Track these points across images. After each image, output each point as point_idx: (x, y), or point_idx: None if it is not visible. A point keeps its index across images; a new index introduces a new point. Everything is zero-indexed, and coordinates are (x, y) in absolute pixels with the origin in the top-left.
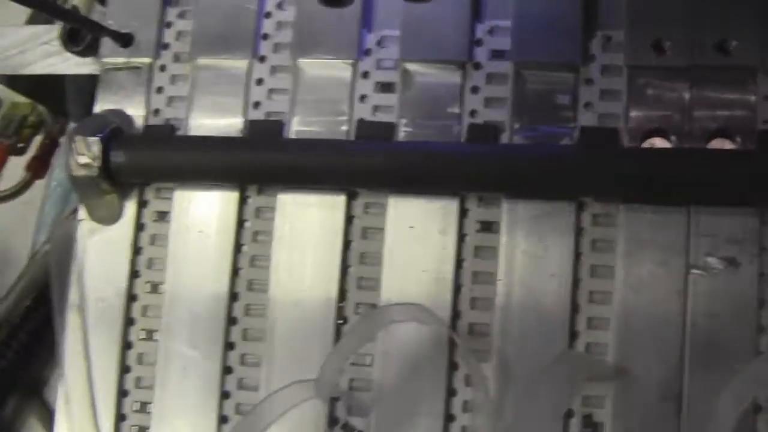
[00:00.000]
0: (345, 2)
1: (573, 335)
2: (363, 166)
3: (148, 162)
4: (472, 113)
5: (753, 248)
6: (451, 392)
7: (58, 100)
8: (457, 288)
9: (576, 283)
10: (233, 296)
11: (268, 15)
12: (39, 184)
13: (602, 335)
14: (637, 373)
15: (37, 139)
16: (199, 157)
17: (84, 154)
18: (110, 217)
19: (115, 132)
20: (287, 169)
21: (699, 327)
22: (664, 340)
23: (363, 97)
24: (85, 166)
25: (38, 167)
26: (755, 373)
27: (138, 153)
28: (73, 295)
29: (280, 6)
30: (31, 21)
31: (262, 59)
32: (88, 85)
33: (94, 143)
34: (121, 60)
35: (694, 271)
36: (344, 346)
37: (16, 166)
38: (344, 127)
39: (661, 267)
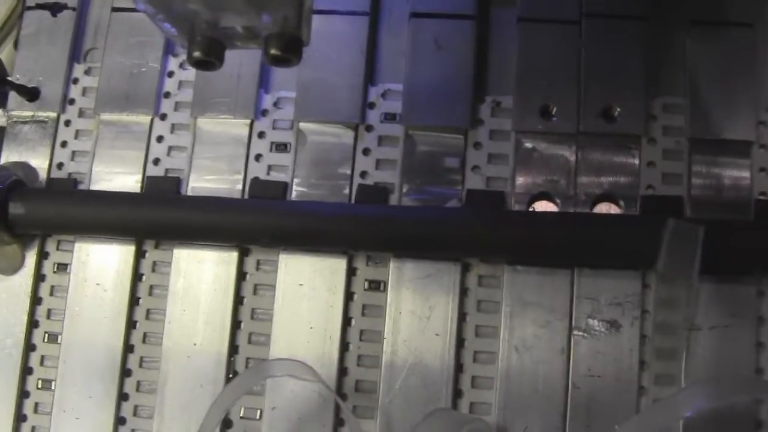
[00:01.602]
0: (214, 66)
1: (457, 394)
2: (255, 224)
3: (48, 214)
4: (363, 174)
5: (635, 311)
6: None
7: None
8: (344, 345)
9: (461, 342)
10: (129, 348)
11: (170, 74)
12: None
13: (486, 394)
14: None
15: None
16: (98, 211)
17: None
18: (11, 268)
19: (15, 184)
20: (182, 225)
21: (581, 387)
22: (546, 400)
23: (258, 156)
24: None
25: None
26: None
27: (38, 205)
28: None
29: (182, 66)
30: None
31: (163, 117)
32: (1, 135)
33: None
34: (27, 113)
35: (577, 332)
36: (224, 399)
37: None
38: (239, 186)
39: (545, 328)
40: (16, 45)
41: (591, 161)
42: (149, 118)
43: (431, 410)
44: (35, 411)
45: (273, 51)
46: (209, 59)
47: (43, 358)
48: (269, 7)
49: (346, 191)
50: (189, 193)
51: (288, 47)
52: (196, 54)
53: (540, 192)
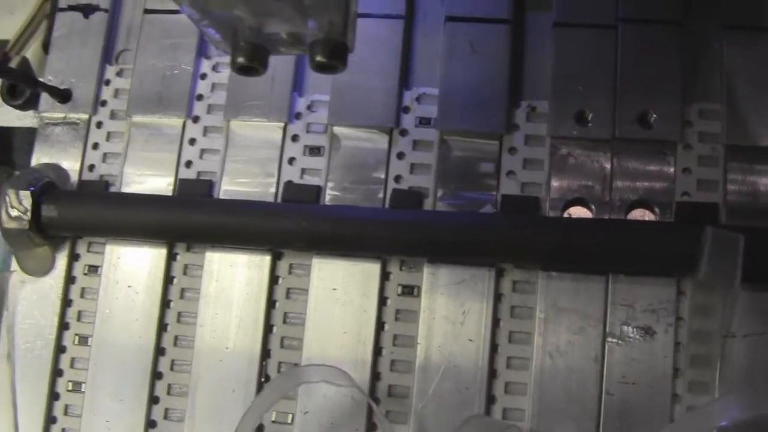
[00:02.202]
0: (258, 72)
1: (490, 400)
2: (288, 228)
3: (80, 217)
4: (397, 179)
5: (669, 318)
6: None
7: (3, 151)
8: (377, 350)
9: (494, 348)
10: (160, 351)
11: (203, 76)
12: None
13: (519, 401)
14: None
15: None
16: (129, 214)
17: (15, 207)
18: (42, 270)
19: (47, 186)
20: (214, 229)
21: (614, 395)
22: (580, 406)
23: (291, 160)
24: (16, 218)
25: None
26: None
27: (69, 208)
28: (2, 345)
29: (215, 68)
30: None
31: (195, 119)
32: (33, 137)
33: (25, 197)
34: (59, 115)
35: (611, 339)
36: (258, 405)
37: None
38: (272, 189)
39: (579, 334)
40: (44, 46)
41: (626, 167)
42: (181, 120)
43: (465, 417)
44: (65, 413)
45: (319, 58)
46: (253, 65)
47: (73, 360)
48: (315, 13)
49: (380, 195)
50: (221, 197)
51: (333, 53)
52: (240, 60)
53: (575, 198)
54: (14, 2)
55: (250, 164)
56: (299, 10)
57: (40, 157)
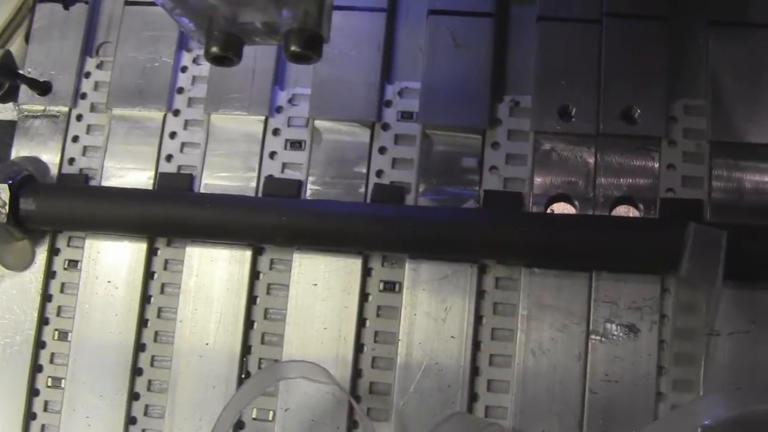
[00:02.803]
0: (232, 62)
1: (473, 397)
2: (269, 223)
3: (59, 211)
4: (379, 173)
5: (653, 315)
6: None
7: None
8: (359, 346)
9: (477, 345)
10: (140, 347)
11: (184, 69)
12: None
13: (502, 398)
14: None
15: None
16: (109, 208)
17: None
18: (21, 264)
19: (26, 179)
20: (195, 223)
21: (598, 393)
22: (563, 404)
23: (272, 154)
24: None
25: None
26: None
27: (49, 201)
28: None
29: (195, 61)
30: None
31: (176, 113)
32: (12, 129)
33: (3, 190)
34: (38, 107)
35: (594, 336)
36: (237, 400)
37: None
38: (253, 183)
39: (562, 332)
40: (27, 38)
41: (610, 163)
42: (162, 113)
43: (447, 414)
44: (45, 409)
45: (293, 48)
46: (227, 55)
47: (53, 355)
48: (289, 2)
49: (362, 190)
50: (202, 191)
51: (308, 44)
52: (214, 49)
53: (558, 194)
54: None
55: (230, 158)
56: (273, 0)
57: (19, 150)
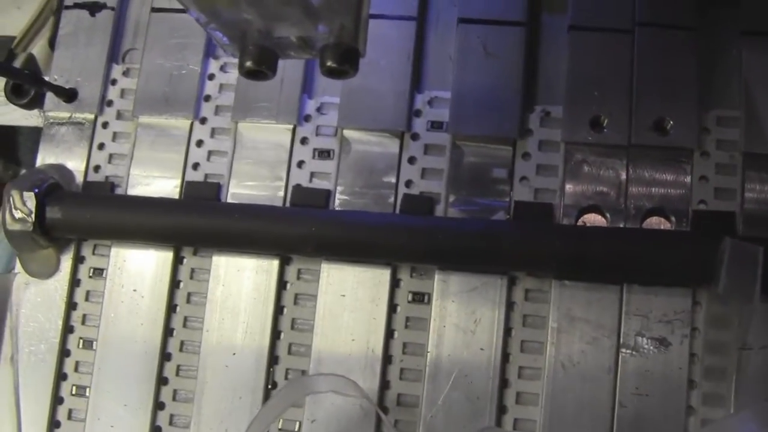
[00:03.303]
0: (266, 76)
1: (501, 410)
2: (297, 233)
3: (85, 219)
4: (408, 183)
5: (684, 329)
6: None
7: (10, 149)
8: (387, 358)
9: (506, 357)
10: (165, 356)
11: (211, 77)
12: None
13: (531, 411)
14: None
15: None
16: (135, 216)
17: (19, 208)
18: (46, 272)
19: (52, 187)
20: (222, 233)
21: (628, 406)
22: (592, 418)
23: (300, 163)
24: (20, 220)
25: None
26: None
27: (74, 209)
28: (5, 348)
29: (223, 68)
30: None
31: (203, 121)
32: (38, 136)
33: (29, 198)
34: (64, 114)
35: (625, 350)
36: (265, 414)
37: None
38: (280, 193)
39: (592, 345)
40: (51, 43)
41: (642, 175)
42: (189, 121)
43: (476, 427)
44: (69, 417)
45: (329, 63)
46: (261, 69)
47: (77, 364)
48: (325, 17)
49: (391, 200)
50: (229, 200)
51: (345, 58)
52: (248, 64)
53: (589, 205)
54: None
55: (258, 167)
56: (309, 14)
57: (45, 157)
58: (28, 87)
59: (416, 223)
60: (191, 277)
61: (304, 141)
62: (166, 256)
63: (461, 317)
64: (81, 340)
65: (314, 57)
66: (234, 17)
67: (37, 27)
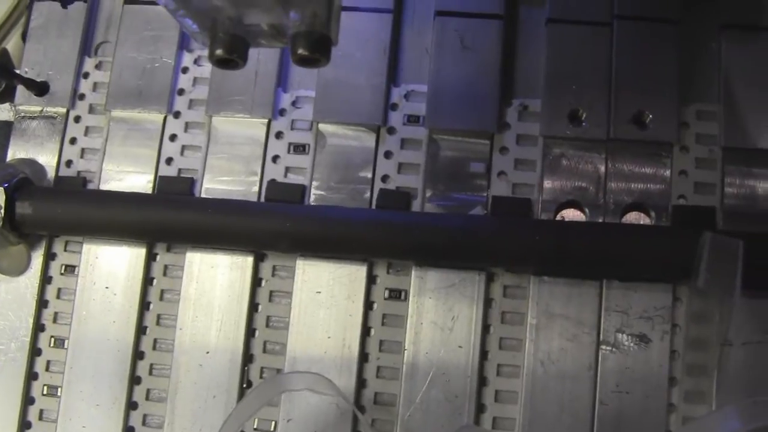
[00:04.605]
0: (237, 65)
1: (480, 408)
2: (271, 229)
3: (56, 215)
4: (384, 178)
5: (665, 325)
6: None
7: None
8: (363, 356)
9: (484, 355)
10: (138, 355)
11: (185, 70)
12: None
13: (510, 409)
14: None
15: None
16: (108, 212)
17: None
18: (16, 269)
19: (22, 182)
20: (195, 228)
21: (608, 404)
22: (572, 416)
23: (275, 158)
24: None
25: None
26: None
27: (45, 205)
28: None
29: (197, 62)
30: None
31: (176, 115)
32: (9, 131)
33: None
34: (35, 108)
35: (605, 346)
36: (239, 413)
37: None
38: (255, 188)
39: (572, 341)
40: (24, 37)
41: (621, 169)
42: (162, 115)
43: (454, 426)
44: (40, 418)
45: (301, 51)
46: (232, 58)
47: (48, 363)
48: (297, 4)
49: (367, 196)
50: (203, 195)
51: (316, 47)
52: (219, 52)
53: (568, 200)
54: None
55: (232, 162)
56: (280, 1)
57: (15, 152)
58: None
59: (393, 218)
60: (164, 274)
61: (279, 135)
62: (138, 253)
63: (439, 314)
64: (52, 339)
65: (286, 45)
66: (204, 4)
67: (11, 22)
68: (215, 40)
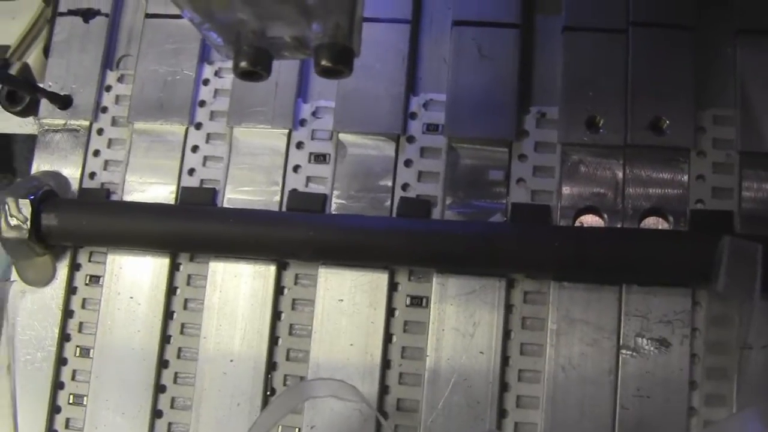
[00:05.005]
0: (261, 77)
1: (502, 414)
2: (293, 238)
3: (80, 226)
4: (405, 187)
5: (684, 329)
6: None
7: (4, 157)
8: (385, 362)
9: (505, 360)
10: (163, 363)
11: (206, 82)
12: None
13: (531, 415)
14: None
15: None
16: (131, 223)
17: (14, 216)
18: (42, 280)
19: (47, 194)
20: (218, 238)
21: (629, 408)
22: (593, 421)
23: (296, 168)
24: (16, 228)
25: None
26: None
27: (70, 216)
28: (2, 357)
29: (217, 73)
30: None
31: (198, 126)
32: (33, 144)
33: (25, 205)
34: (59, 121)
35: (625, 351)
36: (264, 420)
37: None
38: (277, 197)
39: (592, 346)
40: (45, 51)
41: (639, 175)
42: (184, 127)
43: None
44: (66, 427)
45: (324, 62)
46: (256, 70)
47: (74, 372)
48: (320, 16)
49: (387, 204)
50: (225, 205)
51: (339, 58)
52: (243, 65)
53: (586, 206)
54: (16, 7)
55: (254, 172)
56: (304, 13)
57: (40, 165)
58: (23, 94)
59: (413, 226)
60: (188, 284)
61: (299, 145)
62: (162, 263)
63: (460, 320)
64: (78, 348)
65: (308, 57)
66: (228, 17)
67: (32, 36)
68: (239, 52)
